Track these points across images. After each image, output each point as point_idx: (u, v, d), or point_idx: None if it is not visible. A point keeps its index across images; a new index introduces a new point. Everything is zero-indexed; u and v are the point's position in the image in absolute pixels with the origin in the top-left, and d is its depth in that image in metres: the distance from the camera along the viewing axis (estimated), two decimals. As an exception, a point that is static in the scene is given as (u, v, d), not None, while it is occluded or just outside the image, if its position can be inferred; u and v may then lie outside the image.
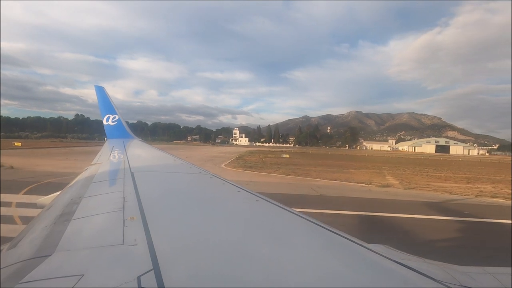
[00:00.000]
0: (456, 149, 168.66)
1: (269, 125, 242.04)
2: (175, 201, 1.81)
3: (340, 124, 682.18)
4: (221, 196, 2.06)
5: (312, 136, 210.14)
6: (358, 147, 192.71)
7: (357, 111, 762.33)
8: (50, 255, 0.95)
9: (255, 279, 0.84)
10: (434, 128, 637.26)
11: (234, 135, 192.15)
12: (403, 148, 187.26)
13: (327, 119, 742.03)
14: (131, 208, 1.40)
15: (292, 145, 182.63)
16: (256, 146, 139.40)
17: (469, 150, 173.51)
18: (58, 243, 1.06)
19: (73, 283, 0.74)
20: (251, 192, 2.00)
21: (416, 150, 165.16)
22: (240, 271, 0.87)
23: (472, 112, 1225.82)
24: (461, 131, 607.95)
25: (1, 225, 5.71)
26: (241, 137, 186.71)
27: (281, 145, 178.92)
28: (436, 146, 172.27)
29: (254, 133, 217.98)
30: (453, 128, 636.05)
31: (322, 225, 1.38)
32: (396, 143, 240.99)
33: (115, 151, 4.91)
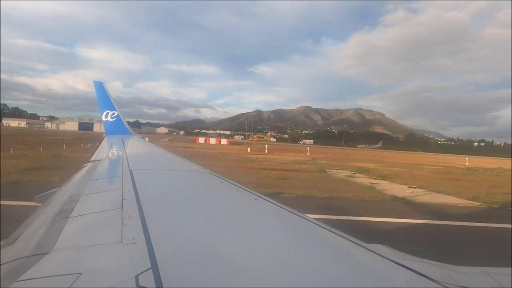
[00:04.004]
0: (100, 127, 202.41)
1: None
2: (174, 199, 1.78)
3: (288, 118, 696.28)
4: (219, 195, 2.07)
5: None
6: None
7: (306, 106, 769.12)
8: (48, 253, 0.95)
9: (254, 278, 0.84)
10: (367, 123, 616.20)
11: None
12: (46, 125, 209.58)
13: (278, 113, 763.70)
14: (130, 206, 1.39)
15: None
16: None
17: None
18: (56, 241, 1.05)
19: (71, 281, 0.73)
20: (250, 191, 1.99)
21: (60, 128, 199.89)
22: (239, 270, 0.87)
23: (421, 109, 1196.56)
24: (387, 127, 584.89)
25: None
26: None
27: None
28: (80, 123, 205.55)
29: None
30: (381, 124, 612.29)
31: (321, 224, 1.38)
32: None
33: (114, 148, 4.87)
